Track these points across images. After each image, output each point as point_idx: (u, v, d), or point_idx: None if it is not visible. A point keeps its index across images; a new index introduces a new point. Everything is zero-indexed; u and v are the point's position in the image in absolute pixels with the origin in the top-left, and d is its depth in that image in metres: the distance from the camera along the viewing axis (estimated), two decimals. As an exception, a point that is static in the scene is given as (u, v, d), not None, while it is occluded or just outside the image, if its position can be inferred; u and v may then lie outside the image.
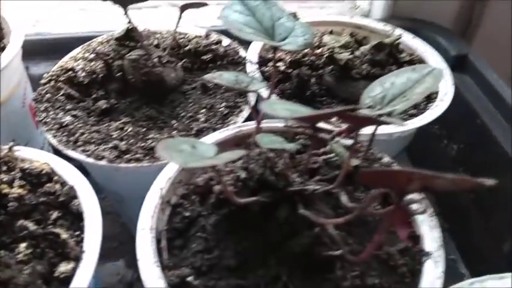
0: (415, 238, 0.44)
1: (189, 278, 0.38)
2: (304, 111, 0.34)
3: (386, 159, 0.50)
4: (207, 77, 0.44)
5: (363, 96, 0.46)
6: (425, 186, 0.29)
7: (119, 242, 0.78)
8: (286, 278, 0.39)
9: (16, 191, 0.44)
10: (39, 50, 0.77)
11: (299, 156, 0.47)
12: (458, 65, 0.76)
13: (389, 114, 0.42)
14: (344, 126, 0.55)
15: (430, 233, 0.43)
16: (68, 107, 0.56)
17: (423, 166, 0.86)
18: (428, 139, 0.83)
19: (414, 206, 0.41)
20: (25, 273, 0.37)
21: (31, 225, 0.42)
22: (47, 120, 0.54)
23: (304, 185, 0.42)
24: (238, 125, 0.53)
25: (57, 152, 0.54)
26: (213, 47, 0.65)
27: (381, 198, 0.46)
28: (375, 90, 0.46)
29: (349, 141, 0.52)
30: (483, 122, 0.68)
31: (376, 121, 0.36)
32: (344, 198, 0.43)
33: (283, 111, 0.32)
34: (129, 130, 0.52)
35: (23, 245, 0.40)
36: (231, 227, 0.42)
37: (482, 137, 0.68)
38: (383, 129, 0.54)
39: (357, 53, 0.67)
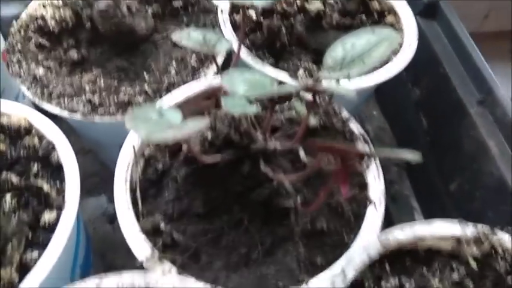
0: (362, 186, 0.50)
1: (161, 225, 0.44)
2: (265, 83, 0.37)
3: (344, 113, 0.54)
4: (175, 37, 0.45)
5: (325, 56, 0.49)
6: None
7: (100, 178, 0.83)
8: (247, 223, 0.45)
9: (-4, 145, 0.47)
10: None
11: (264, 112, 0.51)
12: (428, 11, 0.77)
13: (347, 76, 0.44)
14: (309, 81, 0.58)
15: (374, 182, 0.48)
16: (40, 57, 0.57)
17: (389, 108, 0.90)
18: (395, 83, 0.86)
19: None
20: (13, 222, 0.42)
21: (14, 178, 0.46)
22: (20, 72, 0.55)
23: (266, 143, 0.46)
24: (208, 78, 0.55)
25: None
26: (185, -8, 0.64)
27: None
28: (336, 51, 0.48)
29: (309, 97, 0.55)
30: (445, 71, 0.71)
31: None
32: (302, 154, 0.47)
33: (242, 85, 0.35)
34: (101, 83, 0.54)
35: (8, 196, 0.44)
36: (200, 179, 0.47)
37: (443, 85, 0.72)
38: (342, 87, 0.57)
39: (330, 0, 0.67)
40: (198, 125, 0.37)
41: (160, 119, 0.37)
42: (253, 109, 0.43)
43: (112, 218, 0.79)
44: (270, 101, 0.41)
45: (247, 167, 0.45)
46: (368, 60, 0.45)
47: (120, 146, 0.63)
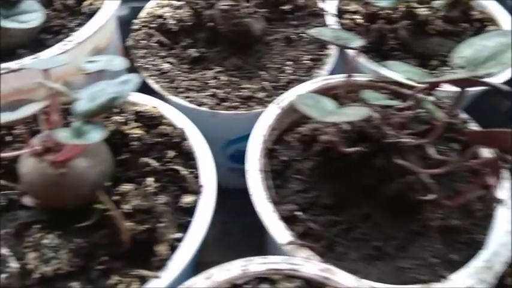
0: (490, 187, 0.49)
1: (298, 213, 0.45)
2: (420, 74, 0.38)
3: (463, 115, 0.54)
4: (312, 32, 0.47)
5: (452, 57, 0.49)
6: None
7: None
8: (377, 217, 0.45)
9: (135, 131, 0.50)
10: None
11: (388, 110, 0.51)
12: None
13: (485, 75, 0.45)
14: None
15: (502, 183, 0.48)
16: (162, 53, 0.60)
17: (476, 119, 0.88)
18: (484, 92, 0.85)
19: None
20: (160, 202, 0.44)
21: (153, 162, 0.48)
22: (147, 66, 0.58)
23: (398, 137, 0.46)
24: (326, 77, 0.57)
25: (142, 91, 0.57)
26: (293, -3, 0.66)
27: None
28: (464, 52, 0.49)
29: (429, 97, 0.55)
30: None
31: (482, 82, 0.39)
32: (432, 151, 0.47)
33: (406, 74, 0.36)
34: (222, 79, 0.56)
35: (150, 179, 0.46)
36: (326, 172, 0.48)
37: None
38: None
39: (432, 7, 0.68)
40: (360, 112, 0.38)
41: (318, 104, 0.39)
42: (394, 102, 0.44)
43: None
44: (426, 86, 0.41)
45: (381, 160, 0.45)
46: (504, 60, 0.45)
47: (223, 143, 0.65)
